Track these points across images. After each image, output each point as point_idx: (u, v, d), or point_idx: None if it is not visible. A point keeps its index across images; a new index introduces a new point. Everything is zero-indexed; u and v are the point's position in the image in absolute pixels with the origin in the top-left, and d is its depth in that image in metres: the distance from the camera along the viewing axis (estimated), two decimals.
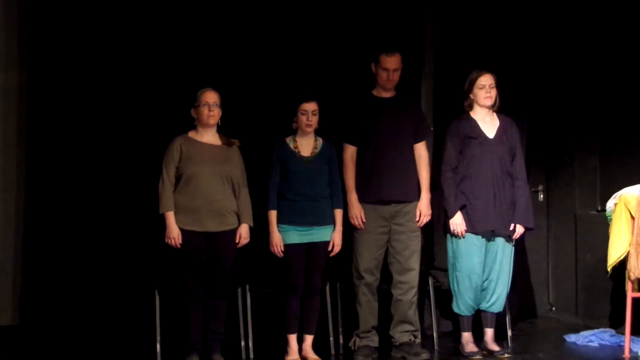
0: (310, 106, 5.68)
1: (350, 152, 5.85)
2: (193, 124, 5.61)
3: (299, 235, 5.64)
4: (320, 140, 5.78)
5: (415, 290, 5.86)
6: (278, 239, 5.62)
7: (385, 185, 5.78)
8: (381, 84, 5.88)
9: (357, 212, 5.79)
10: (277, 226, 5.63)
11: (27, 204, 6.19)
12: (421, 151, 5.91)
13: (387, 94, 5.91)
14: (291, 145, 5.72)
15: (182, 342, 5.54)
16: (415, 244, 5.86)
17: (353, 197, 5.80)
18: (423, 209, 5.86)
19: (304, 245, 5.65)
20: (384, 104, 5.88)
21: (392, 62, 5.82)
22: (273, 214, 5.65)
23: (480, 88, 5.86)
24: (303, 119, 5.69)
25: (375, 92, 5.93)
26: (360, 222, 5.78)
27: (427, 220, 5.89)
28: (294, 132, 5.74)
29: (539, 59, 7.06)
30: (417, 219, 5.85)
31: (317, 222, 5.66)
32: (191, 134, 5.61)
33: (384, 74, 5.84)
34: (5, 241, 6.30)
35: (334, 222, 5.72)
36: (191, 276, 5.48)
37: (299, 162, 5.68)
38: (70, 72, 6.23)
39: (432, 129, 6.19)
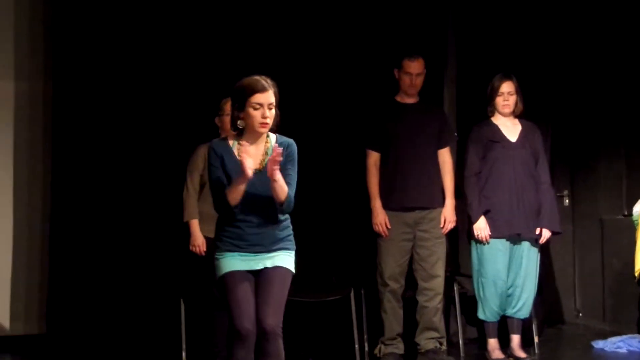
0: (266, 97, 4.12)
1: (373, 158, 5.82)
2: (217, 132, 5.62)
3: (242, 261, 4.28)
4: (272, 140, 4.24)
5: (440, 296, 5.84)
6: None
7: (409, 191, 5.74)
8: (404, 89, 5.86)
9: (382, 219, 5.76)
10: (220, 254, 4.32)
11: (53, 212, 6.22)
12: (445, 157, 5.88)
13: (410, 100, 5.89)
14: (235, 152, 4.19)
15: (208, 351, 5.54)
16: (440, 251, 5.83)
17: (377, 204, 5.77)
18: (448, 216, 5.83)
19: (249, 274, 4.28)
20: (407, 110, 5.85)
21: (415, 66, 5.80)
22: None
23: (499, 95, 5.83)
24: (257, 115, 4.10)
25: (398, 98, 5.90)
26: (385, 230, 5.76)
27: (452, 226, 5.86)
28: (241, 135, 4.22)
29: (563, 62, 7.01)
30: (441, 226, 5.83)
31: (265, 250, 4.28)
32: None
33: (407, 78, 5.81)
34: (31, 249, 6.32)
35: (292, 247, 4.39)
36: (216, 284, 5.47)
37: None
38: (94, 80, 6.24)
39: (456, 134, 6.15)
